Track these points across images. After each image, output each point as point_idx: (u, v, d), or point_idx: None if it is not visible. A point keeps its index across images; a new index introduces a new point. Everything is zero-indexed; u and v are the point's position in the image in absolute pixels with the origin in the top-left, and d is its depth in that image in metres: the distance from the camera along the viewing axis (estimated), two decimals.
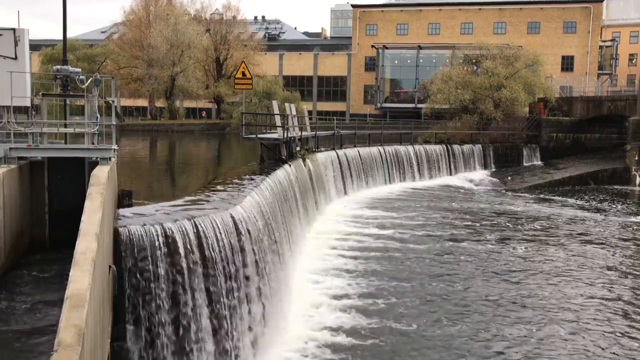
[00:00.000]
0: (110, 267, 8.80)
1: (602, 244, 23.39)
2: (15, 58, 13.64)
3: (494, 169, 47.31)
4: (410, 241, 22.22)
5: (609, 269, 19.58)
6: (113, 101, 13.76)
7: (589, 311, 15.31)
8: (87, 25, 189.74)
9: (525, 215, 29.21)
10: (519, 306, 15.60)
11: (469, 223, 26.54)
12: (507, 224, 26.89)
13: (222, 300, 10.56)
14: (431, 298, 15.94)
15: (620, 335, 13.77)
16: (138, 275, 9.28)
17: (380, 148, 38.47)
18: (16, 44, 13.64)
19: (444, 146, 44.88)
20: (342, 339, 12.94)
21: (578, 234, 25.07)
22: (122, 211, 10.90)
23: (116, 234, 9.37)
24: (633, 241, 24.39)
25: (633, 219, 29.34)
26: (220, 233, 10.96)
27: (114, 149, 12.81)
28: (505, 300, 15.97)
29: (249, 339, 11.39)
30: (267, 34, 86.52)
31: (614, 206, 33.29)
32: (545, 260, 20.45)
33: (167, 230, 9.86)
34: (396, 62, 73.36)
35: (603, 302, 16.06)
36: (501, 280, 17.86)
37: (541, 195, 36.54)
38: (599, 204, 33.75)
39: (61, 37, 16.89)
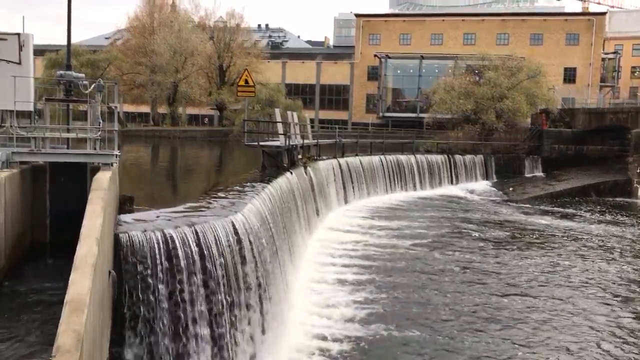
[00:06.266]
0: (110, 272, 8.78)
1: (609, 255, 23.32)
2: (19, 63, 13.65)
3: (495, 180, 47.23)
4: (412, 250, 22.18)
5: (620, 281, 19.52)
6: (116, 107, 13.80)
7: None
8: (89, 29, 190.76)
9: (526, 226, 29.15)
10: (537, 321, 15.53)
11: (471, 233, 26.48)
12: (509, 234, 26.83)
13: (222, 308, 10.53)
14: (433, 306, 15.87)
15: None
16: (138, 281, 9.26)
17: (382, 157, 38.47)
18: (20, 49, 13.66)
19: (446, 156, 44.87)
20: (341, 347, 12.88)
21: (579, 246, 25.01)
22: (123, 217, 10.90)
23: (117, 239, 9.36)
24: None
25: (633, 229, 29.27)
26: (221, 240, 10.95)
27: (116, 155, 12.82)
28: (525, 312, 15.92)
29: (249, 348, 11.35)
30: (270, 42, 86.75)
31: (617, 219, 33.21)
32: (552, 271, 20.41)
33: (168, 237, 9.85)
34: (399, 71, 73.51)
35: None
36: (504, 291, 17.82)
37: (542, 207, 36.49)
38: (601, 216, 33.68)
39: (65, 42, 16.96)
